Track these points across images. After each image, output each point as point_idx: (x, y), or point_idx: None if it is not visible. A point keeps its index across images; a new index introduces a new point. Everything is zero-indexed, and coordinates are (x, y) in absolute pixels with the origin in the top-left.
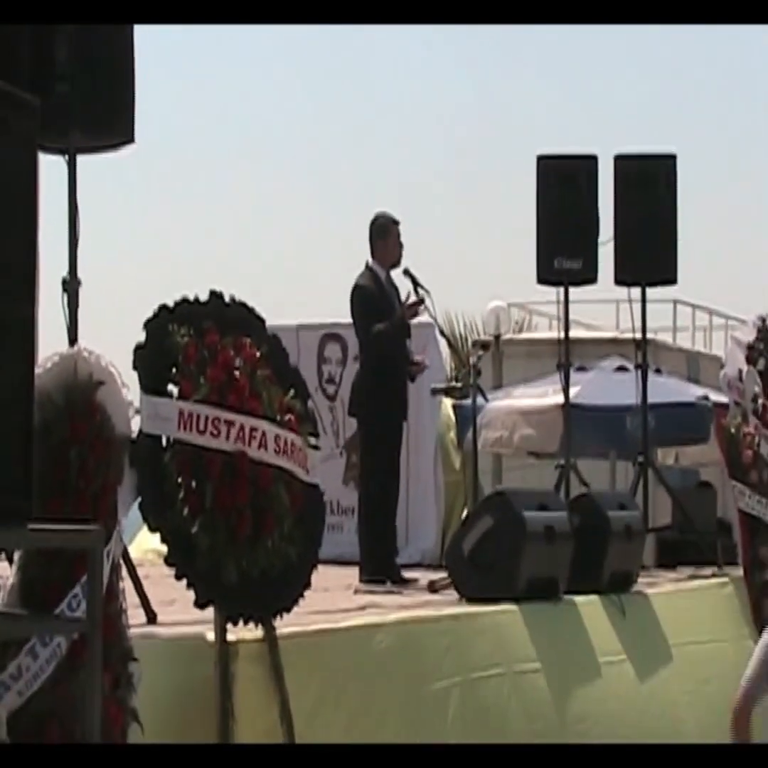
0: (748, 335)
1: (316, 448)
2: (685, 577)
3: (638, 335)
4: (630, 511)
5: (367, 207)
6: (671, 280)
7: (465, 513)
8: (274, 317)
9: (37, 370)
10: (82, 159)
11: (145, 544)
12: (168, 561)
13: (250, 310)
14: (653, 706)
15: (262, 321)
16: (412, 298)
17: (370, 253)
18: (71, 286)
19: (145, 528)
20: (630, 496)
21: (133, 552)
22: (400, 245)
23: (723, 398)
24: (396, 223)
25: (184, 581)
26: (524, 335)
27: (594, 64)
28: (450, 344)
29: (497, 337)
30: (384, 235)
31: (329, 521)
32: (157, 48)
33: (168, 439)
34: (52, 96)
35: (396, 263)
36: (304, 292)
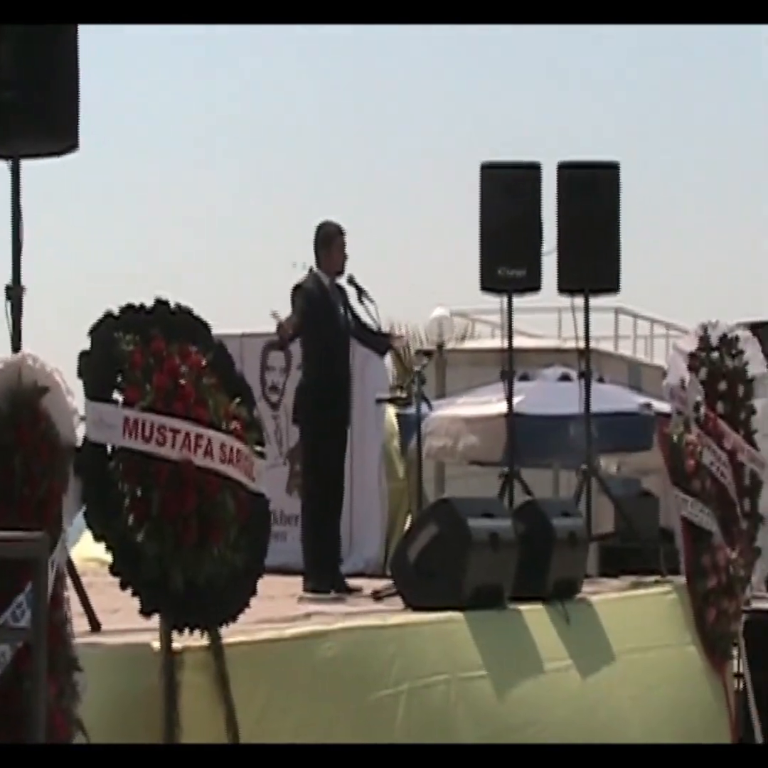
0: (690, 344)
1: (262, 456)
2: (629, 584)
3: (581, 344)
4: (574, 518)
5: (312, 213)
6: (614, 288)
7: (409, 521)
8: (218, 325)
9: None
10: (25, 164)
11: (87, 552)
12: (113, 569)
13: (196, 318)
14: (599, 711)
15: (208, 328)
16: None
17: (314, 261)
18: (14, 293)
19: (86, 536)
20: (573, 503)
21: (75, 560)
22: (344, 255)
23: (665, 407)
24: (341, 232)
25: (129, 590)
26: (467, 344)
27: (539, 71)
28: (394, 353)
29: (440, 345)
30: (328, 243)
31: (273, 530)
32: (100, 50)
33: (113, 447)
34: None
35: (340, 272)
36: (248, 301)
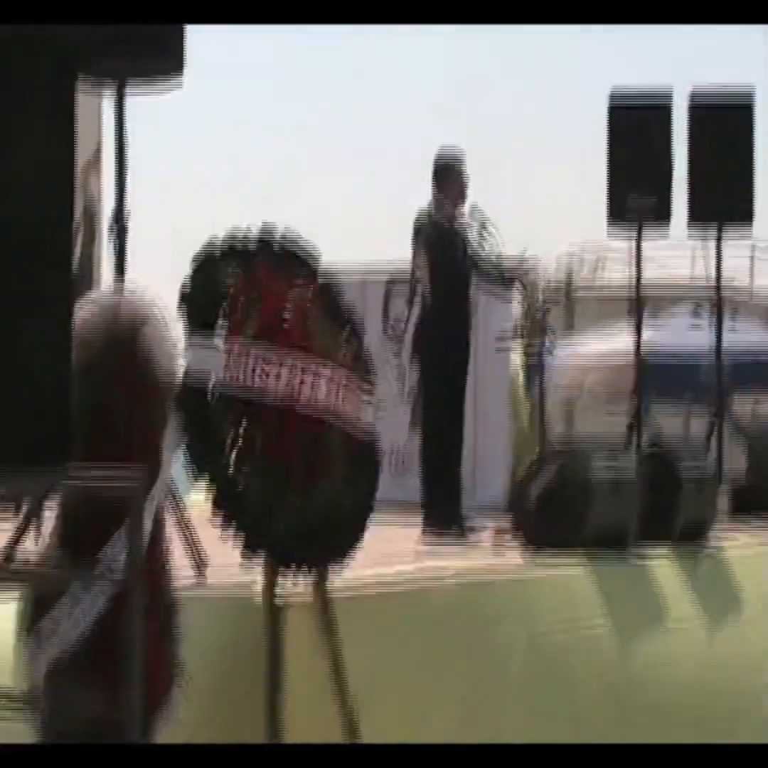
0: None
1: (371, 391)
2: (761, 530)
3: (714, 282)
4: (704, 460)
5: (429, 147)
6: (748, 217)
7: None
8: (340, 259)
9: (78, 309)
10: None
11: None
12: (215, 507)
13: (304, 247)
14: (727, 667)
15: (316, 258)
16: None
17: (434, 189)
18: (119, 219)
19: None
20: (704, 446)
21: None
22: (463, 184)
23: None
24: (460, 161)
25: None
26: (596, 282)
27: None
28: (521, 289)
29: (569, 283)
30: (447, 174)
31: (395, 467)
32: None
33: (215, 382)
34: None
35: (459, 203)
36: (372, 237)
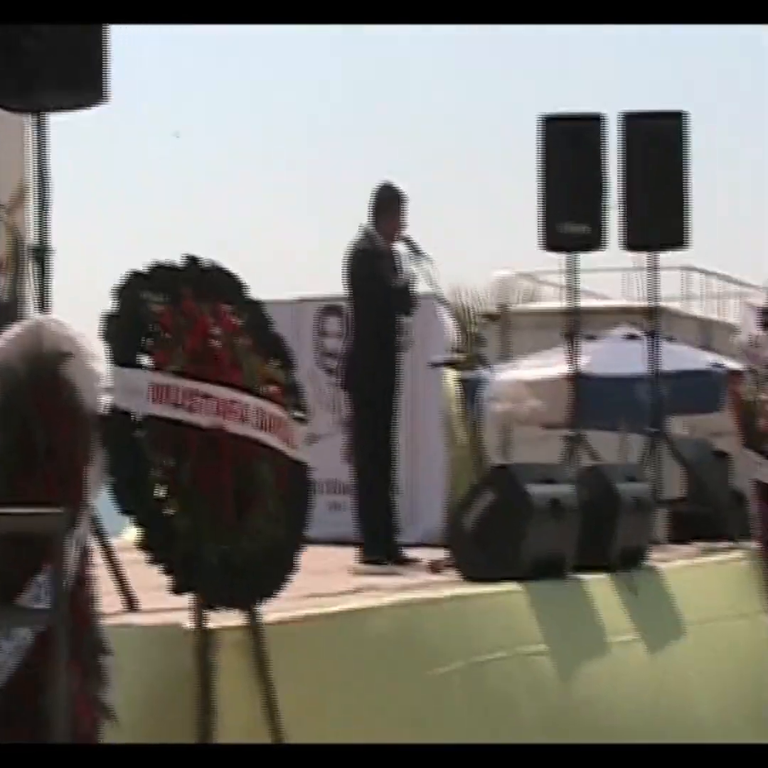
0: (763, 299)
1: (302, 421)
2: (699, 551)
3: (648, 303)
4: (641, 483)
5: (366, 173)
6: (682, 243)
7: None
8: (270, 292)
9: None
10: (52, 118)
11: None
12: (142, 545)
13: (230, 276)
14: (667, 687)
15: (242, 287)
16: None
17: (372, 221)
18: (42, 253)
19: None
20: (641, 468)
21: (130, 535)
22: (402, 223)
23: (737, 366)
24: (401, 199)
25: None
26: (532, 306)
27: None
28: (455, 316)
29: (504, 307)
30: (388, 207)
31: (331, 500)
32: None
33: (141, 415)
34: (17, 50)
35: (394, 236)
36: (302, 266)
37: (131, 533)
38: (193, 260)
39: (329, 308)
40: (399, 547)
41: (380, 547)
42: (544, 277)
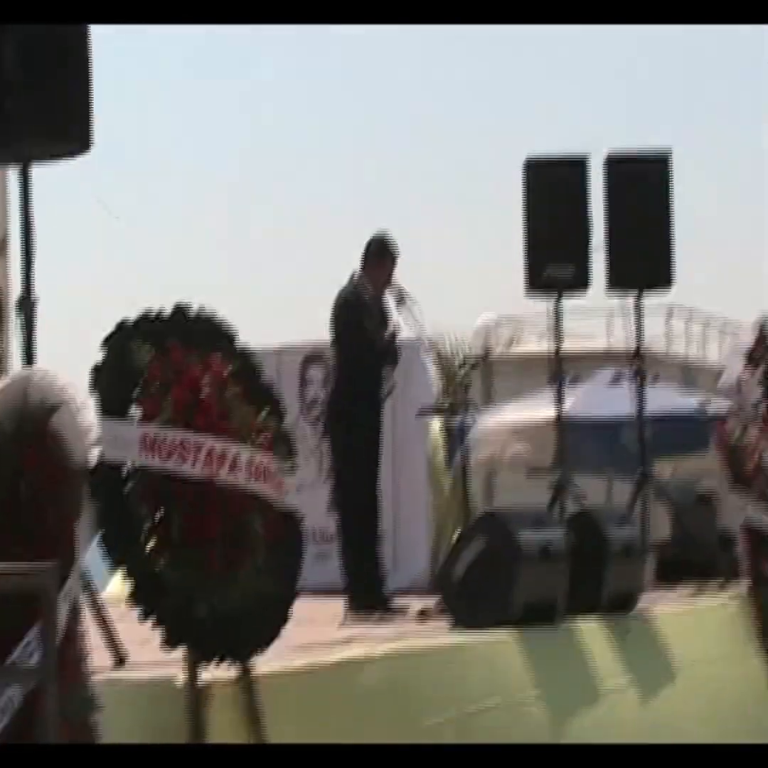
0: (747, 340)
1: (292, 470)
2: (688, 595)
3: (633, 345)
4: (629, 527)
5: (351, 223)
6: (666, 284)
7: (456, 535)
8: (252, 340)
9: None
10: (36, 168)
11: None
12: (132, 599)
13: (219, 324)
14: (661, 732)
15: (231, 335)
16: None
17: (362, 271)
18: (26, 304)
19: None
20: (629, 512)
21: (115, 588)
22: (391, 280)
23: (722, 408)
24: (394, 258)
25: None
26: (514, 351)
27: (581, 63)
28: (439, 362)
29: (487, 352)
30: (381, 259)
31: (317, 550)
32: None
33: (130, 467)
34: (0, 103)
35: (383, 288)
36: (284, 314)
37: (120, 586)
38: (180, 309)
39: (312, 357)
40: (386, 596)
41: (368, 596)
42: (526, 321)
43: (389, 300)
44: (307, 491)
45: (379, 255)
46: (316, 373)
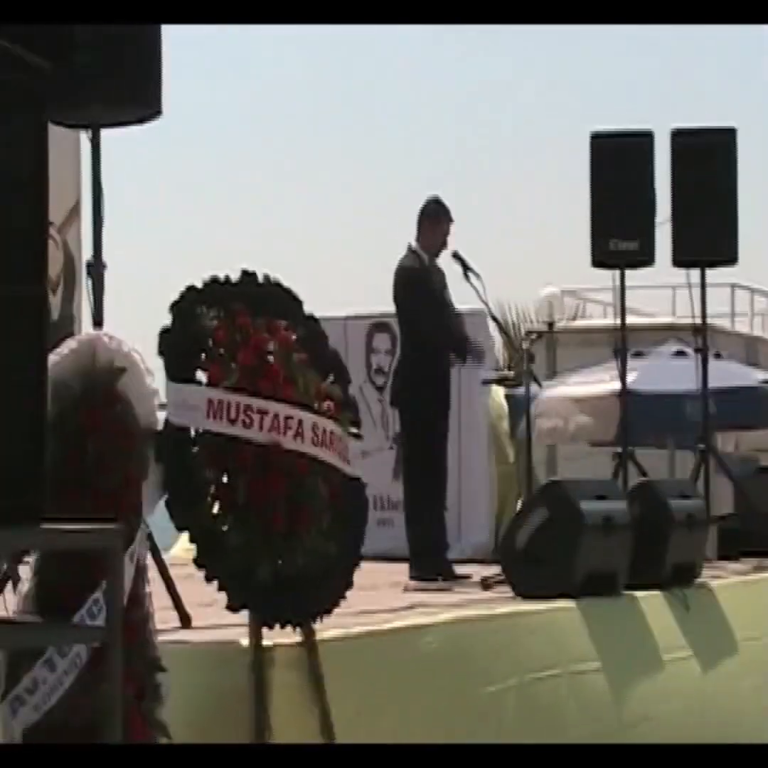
0: None
1: (357, 437)
2: (750, 568)
3: (696, 320)
4: (692, 500)
5: (417, 191)
6: (732, 260)
7: (519, 505)
8: (320, 308)
9: (54, 357)
10: (106, 133)
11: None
12: (197, 562)
13: (286, 291)
14: (719, 704)
15: (298, 301)
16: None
17: (416, 235)
18: (96, 269)
19: None
20: (691, 484)
21: (181, 551)
22: (446, 240)
23: None
24: (450, 218)
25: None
26: (578, 323)
27: (648, 38)
28: (503, 331)
29: (551, 324)
30: (435, 222)
31: (380, 516)
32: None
33: (196, 430)
34: (70, 66)
35: (439, 251)
36: (352, 282)
37: (186, 548)
38: (248, 275)
39: (378, 325)
40: (450, 563)
41: (431, 563)
42: (590, 296)
43: (453, 263)
44: (372, 457)
45: (433, 216)
46: (382, 341)
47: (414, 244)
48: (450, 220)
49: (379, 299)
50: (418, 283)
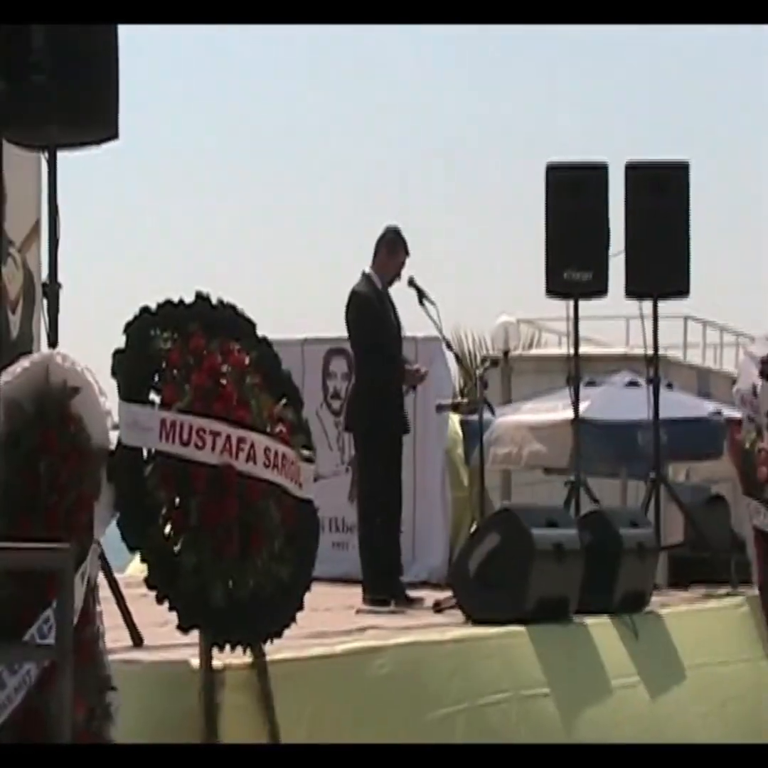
0: (762, 349)
1: (310, 460)
2: (699, 596)
3: (649, 351)
4: (642, 528)
5: (370, 219)
6: (683, 291)
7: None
8: (277, 332)
9: (6, 376)
10: (64, 155)
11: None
12: (149, 582)
13: (239, 313)
14: (668, 731)
15: (252, 325)
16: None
17: (372, 261)
18: (51, 289)
19: None
20: (642, 513)
21: (134, 570)
22: (400, 272)
23: (736, 414)
24: (407, 251)
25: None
26: (533, 351)
27: (603, 71)
28: (458, 359)
29: (506, 352)
30: (392, 251)
31: (335, 539)
32: (143, 38)
33: (149, 451)
34: (27, 87)
35: (393, 280)
36: (309, 307)
37: (138, 568)
38: (202, 298)
39: (335, 349)
40: (403, 587)
41: (385, 586)
42: (545, 325)
43: (408, 289)
44: (328, 481)
45: (391, 245)
46: (338, 365)
47: (369, 270)
48: (406, 252)
49: (336, 324)
50: (371, 308)
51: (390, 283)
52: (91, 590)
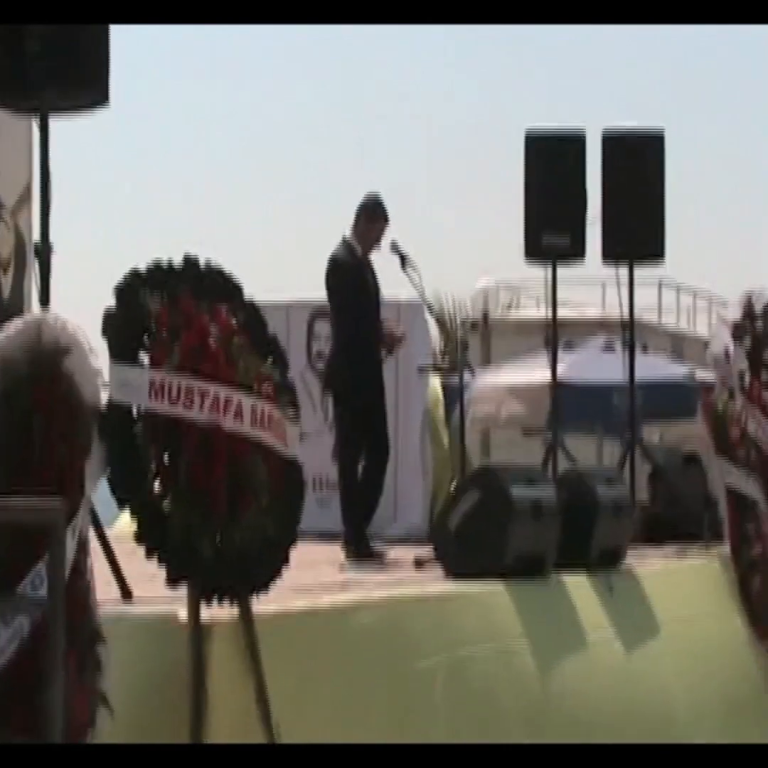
0: (734, 313)
1: (295, 419)
2: (673, 553)
3: (625, 316)
4: (618, 486)
5: (355, 182)
6: (658, 255)
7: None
8: (263, 294)
9: None
10: (55, 119)
11: None
12: (138, 537)
13: (227, 277)
14: (643, 683)
15: (239, 288)
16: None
17: (352, 228)
18: (43, 251)
19: None
20: (618, 472)
21: (124, 525)
22: (379, 241)
23: (709, 377)
24: (386, 219)
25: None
26: (512, 314)
27: (583, 38)
28: (438, 322)
29: (485, 315)
30: (372, 218)
31: (319, 496)
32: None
33: (139, 410)
34: (18, 52)
35: (372, 247)
36: (295, 270)
37: (127, 523)
38: (190, 260)
39: (320, 312)
40: (377, 549)
41: (366, 543)
42: (524, 288)
43: (395, 260)
44: (312, 439)
45: (370, 215)
46: (323, 327)
47: (348, 235)
48: (386, 220)
49: (321, 287)
50: (349, 274)
51: (369, 250)
52: (82, 545)
